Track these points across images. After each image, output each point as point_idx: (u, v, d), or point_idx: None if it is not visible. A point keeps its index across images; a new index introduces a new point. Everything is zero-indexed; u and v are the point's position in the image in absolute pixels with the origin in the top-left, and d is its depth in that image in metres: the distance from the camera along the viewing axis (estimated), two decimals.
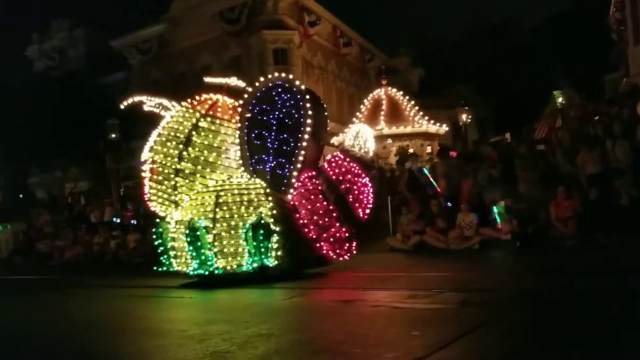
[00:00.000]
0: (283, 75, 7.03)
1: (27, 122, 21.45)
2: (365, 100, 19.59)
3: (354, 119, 19.29)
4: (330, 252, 6.95)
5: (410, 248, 10.07)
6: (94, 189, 20.80)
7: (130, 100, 7.80)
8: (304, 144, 6.64)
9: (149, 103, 7.74)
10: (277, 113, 6.68)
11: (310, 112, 6.61)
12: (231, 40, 23.57)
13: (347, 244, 7.09)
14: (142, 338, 3.80)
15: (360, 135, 7.70)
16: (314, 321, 4.20)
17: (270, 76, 6.96)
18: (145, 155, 7.23)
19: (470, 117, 21.08)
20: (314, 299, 5.18)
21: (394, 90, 19.42)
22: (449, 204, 10.66)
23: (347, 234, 7.02)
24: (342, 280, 6.48)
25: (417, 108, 19.10)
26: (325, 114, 7.54)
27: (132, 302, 6.17)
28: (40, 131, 20.82)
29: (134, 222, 14.55)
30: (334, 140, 20.08)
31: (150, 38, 26.19)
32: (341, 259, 7.13)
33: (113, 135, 16.62)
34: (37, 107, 21.29)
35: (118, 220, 14.89)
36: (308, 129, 6.60)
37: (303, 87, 6.86)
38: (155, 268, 7.21)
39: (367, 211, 7.32)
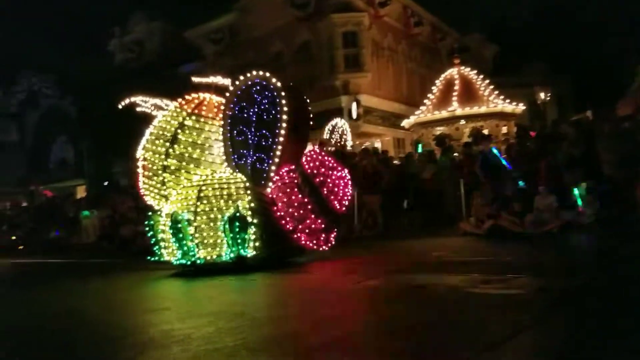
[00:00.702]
0: (261, 72, 7.13)
1: (109, 113, 22.49)
2: (437, 81, 19.17)
3: (425, 101, 18.95)
4: (308, 242, 7.22)
5: (484, 232, 9.83)
6: None
7: (126, 101, 8.06)
8: (281, 139, 6.88)
9: (144, 104, 8.04)
10: (256, 109, 6.99)
11: (286, 109, 6.83)
12: (301, 26, 23.65)
13: (323, 235, 7.35)
14: (217, 319, 3.92)
15: (336, 130, 7.60)
16: (385, 305, 4.19)
17: (249, 74, 7.12)
18: (138, 152, 7.65)
19: (549, 94, 20.18)
20: (384, 284, 5.16)
21: (467, 69, 18.86)
22: (526, 186, 10.31)
23: (322, 226, 7.26)
24: (412, 265, 6.42)
25: (491, 87, 18.49)
26: (309, 109, 7.67)
27: (197, 285, 6.36)
28: (121, 122, 21.78)
29: None
30: (405, 123, 19.83)
31: (222, 28, 26.70)
32: (320, 249, 7.39)
33: None
34: (118, 99, 22.31)
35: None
36: (284, 124, 6.84)
37: (279, 83, 7.02)
38: (149, 258, 7.60)
39: (345, 203, 7.56)
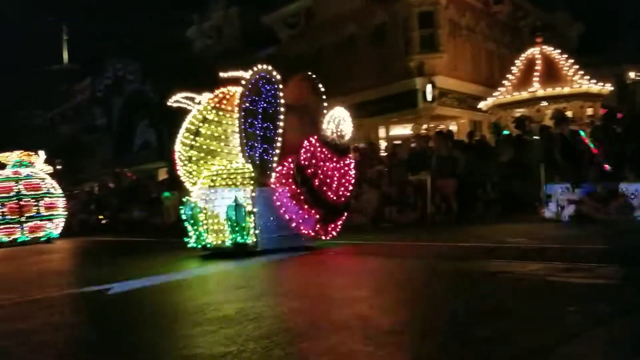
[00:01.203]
0: (265, 66, 7.39)
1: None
2: (517, 61, 18.46)
3: (505, 82, 18.30)
4: (305, 231, 7.39)
5: (565, 218, 9.41)
6: None
7: (176, 97, 8.31)
8: (280, 131, 7.26)
9: (184, 101, 8.26)
10: (262, 103, 7.25)
11: (283, 101, 7.28)
12: (376, 8, 23.35)
13: (319, 225, 7.41)
14: (288, 299, 3.98)
15: (332, 120, 7.59)
16: (458, 291, 4.11)
17: (256, 68, 7.34)
18: (176, 144, 8.17)
19: (639, 74, 18.94)
20: (457, 270, 5.05)
21: (550, 48, 18.02)
22: (611, 171, 9.77)
23: (317, 216, 7.32)
24: (488, 252, 6.25)
25: (576, 66, 17.58)
26: (324, 102, 8.04)
27: (266, 265, 6.49)
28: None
29: None
30: (482, 105, 19.27)
31: (298, 11, 26.84)
32: (323, 237, 7.55)
33: None
34: (198, 85, 22.95)
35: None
36: (282, 116, 7.26)
37: (279, 77, 7.39)
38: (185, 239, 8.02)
39: (342, 193, 7.51)
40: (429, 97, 20.93)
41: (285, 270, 6.32)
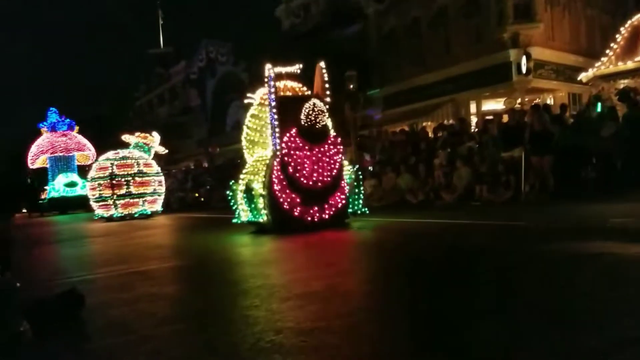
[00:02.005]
0: (270, 65, 8.11)
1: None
2: (622, 29, 17.14)
3: (608, 51, 17.10)
4: (296, 214, 7.95)
5: None
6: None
7: (248, 98, 9.28)
8: (275, 122, 7.94)
9: (252, 99, 9.25)
10: (270, 96, 8.05)
11: (273, 96, 7.98)
12: None
13: (299, 208, 7.97)
14: (374, 277, 4.00)
15: (309, 109, 8.11)
16: (552, 272, 3.95)
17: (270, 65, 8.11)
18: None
19: None
20: (550, 251, 4.85)
21: None
22: None
23: (298, 200, 7.94)
24: (586, 231, 5.93)
25: None
26: (327, 92, 8.62)
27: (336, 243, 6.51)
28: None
29: (370, 168, 15.20)
30: (583, 76, 18.17)
31: None
32: (308, 220, 8.02)
33: (351, 86, 17.41)
34: (284, 64, 23.24)
35: (356, 167, 15.69)
36: (274, 110, 7.97)
37: (273, 74, 8.03)
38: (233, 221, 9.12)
39: (315, 179, 8.03)
40: (524, 70, 19.92)
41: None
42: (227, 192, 9.24)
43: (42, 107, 27.11)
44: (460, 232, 7.16)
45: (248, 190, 8.27)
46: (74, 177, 25.00)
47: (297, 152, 7.98)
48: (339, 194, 8.37)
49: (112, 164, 16.08)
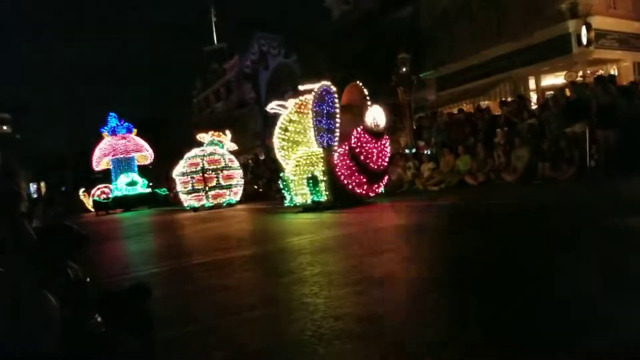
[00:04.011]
0: (326, 82, 10.87)
1: (329, 67, 23.61)
2: None
3: None
4: (360, 191, 10.80)
5: None
6: (390, 122, 22.00)
7: (272, 105, 12.19)
8: (338, 124, 10.64)
9: (277, 108, 12.04)
10: (326, 106, 10.60)
11: (338, 106, 10.68)
12: None
13: (366, 186, 10.86)
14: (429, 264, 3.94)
15: (371, 114, 10.80)
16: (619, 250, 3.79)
17: (320, 83, 10.78)
18: (274, 137, 12.06)
19: None
20: (614, 227, 4.65)
21: None
22: None
23: (365, 180, 10.73)
24: None
25: None
26: (367, 101, 11.20)
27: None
28: (340, 73, 22.71)
29: (427, 152, 15.00)
30: None
31: None
32: (370, 194, 11.06)
33: (404, 69, 17.19)
34: (336, 52, 23.21)
35: (413, 151, 15.54)
36: (338, 116, 10.67)
37: (334, 89, 10.77)
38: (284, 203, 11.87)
39: (379, 164, 10.87)
40: (584, 41, 19.05)
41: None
42: (279, 182, 12.06)
43: (104, 108, 28.54)
44: (519, 213, 6.96)
45: (313, 177, 10.76)
46: (135, 176, 27.11)
47: (367, 145, 10.64)
48: (387, 175, 11.53)
49: (202, 159, 18.27)
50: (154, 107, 45.27)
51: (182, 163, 18.73)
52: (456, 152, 13.58)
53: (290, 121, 11.54)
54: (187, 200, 18.44)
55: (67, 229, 2.61)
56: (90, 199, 27.90)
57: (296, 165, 11.17)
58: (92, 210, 27.47)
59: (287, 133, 11.56)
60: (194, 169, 18.22)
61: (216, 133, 19.41)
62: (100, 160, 27.36)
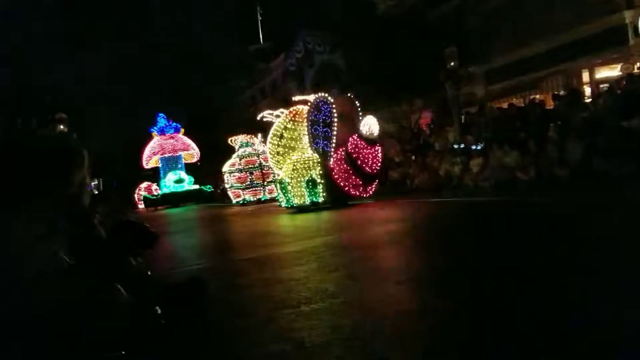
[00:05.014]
0: (323, 94, 12.01)
1: (373, 63, 23.42)
2: None
3: None
4: (355, 192, 11.77)
5: None
6: (437, 117, 21.74)
7: (264, 114, 13.38)
8: (335, 132, 11.55)
9: (269, 116, 13.13)
10: (322, 115, 11.56)
11: (336, 115, 11.58)
12: None
13: (361, 188, 11.84)
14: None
15: (366, 123, 11.97)
16: None
17: (317, 94, 11.97)
18: (267, 143, 13.14)
19: None
20: None
21: None
22: None
23: (360, 182, 11.74)
24: None
25: None
26: (359, 111, 12.32)
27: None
28: (386, 68, 22.51)
29: (476, 147, 14.74)
30: None
31: None
32: (364, 195, 11.97)
33: (452, 63, 16.93)
34: (381, 48, 23.01)
35: (461, 146, 15.30)
36: (335, 124, 11.59)
37: (332, 99, 11.80)
38: (278, 204, 13.09)
39: (374, 168, 11.91)
40: None
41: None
42: (274, 185, 13.56)
43: (153, 107, 29.70)
44: (569, 210, 6.76)
45: (312, 180, 11.62)
46: (182, 174, 28.43)
47: (364, 150, 11.74)
48: (378, 178, 12.57)
49: (258, 156, 19.83)
50: (201, 106, 45.99)
51: (234, 161, 20.09)
52: (506, 147, 13.28)
53: (285, 128, 12.54)
54: (242, 195, 19.88)
55: (137, 226, 2.69)
56: (140, 196, 28.90)
57: (293, 170, 12.05)
58: (142, 206, 28.34)
59: (282, 140, 12.54)
60: (252, 166, 19.89)
61: (247, 135, 20.73)
62: (150, 158, 28.82)
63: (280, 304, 3.35)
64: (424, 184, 14.26)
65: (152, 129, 29.02)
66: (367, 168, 11.78)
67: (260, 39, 52.37)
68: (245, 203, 19.63)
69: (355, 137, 11.77)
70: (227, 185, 20.66)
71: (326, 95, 11.88)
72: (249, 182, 19.87)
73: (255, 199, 19.83)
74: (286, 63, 42.07)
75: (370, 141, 11.93)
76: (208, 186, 27.94)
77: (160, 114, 29.26)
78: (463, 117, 17.70)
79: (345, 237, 6.64)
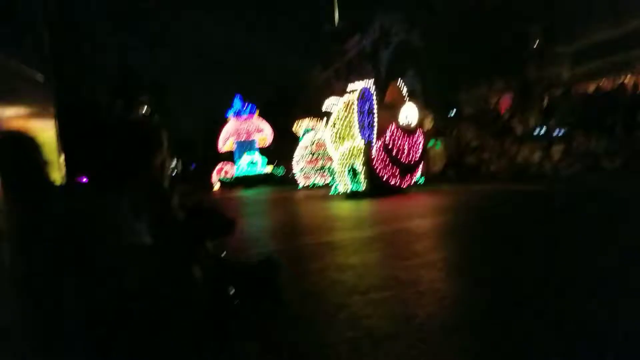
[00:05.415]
0: (367, 84, 12.10)
1: (452, 42, 22.78)
2: None
3: None
4: (392, 182, 11.77)
5: None
6: (517, 100, 20.91)
7: (329, 102, 13.50)
8: (376, 121, 11.65)
9: (332, 106, 13.28)
10: (367, 105, 11.77)
11: (376, 105, 11.73)
12: None
13: (399, 178, 11.86)
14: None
15: (405, 112, 11.91)
16: None
17: (363, 84, 12.17)
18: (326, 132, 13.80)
19: None
20: None
21: None
22: None
23: (397, 172, 11.77)
24: None
25: None
26: (405, 100, 12.18)
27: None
28: (467, 50, 21.85)
29: (558, 132, 14.10)
30: None
31: None
32: (404, 186, 11.97)
33: (536, 42, 16.19)
34: (460, 27, 22.34)
35: (543, 131, 14.66)
36: (375, 113, 11.69)
37: (374, 89, 11.91)
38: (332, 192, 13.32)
39: (410, 158, 11.91)
40: None
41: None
42: (328, 173, 14.25)
43: (230, 89, 30.54)
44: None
45: (353, 169, 12.01)
46: (255, 156, 29.13)
47: (399, 141, 11.77)
48: (419, 168, 12.41)
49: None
50: (276, 88, 46.62)
51: (306, 144, 20.20)
52: (594, 133, 12.60)
53: (339, 117, 12.81)
54: (312, 178, 19.96)
55: (215, 215, 2.76)
56: (216, 177, 29.92)
57: (340, 158, 12.40)
58: (218, 188, 29.29)
59: (336, 128, 12.82)
60: (323, 150, 19.14)
61: (314, 119, 20.46)
62: (226, 141, 29.74)
63: (354, 290, 3.36)
64: (501, 171, 13.83)
65: (228, 113, 29.93)
66: (403, 158, 11.80)
67: (335, 20, 52.16)
68: (313, 186, 19.65)
69: (393, 127, 11.77)
70: (297, 169, 20.63)
71: (370, 83, 12.05)
72: (320, 166, 19.79)
73: (324, 182, 19.71)
74: (361, 44, 41.71)
75: (409, 131, 11.90)
76: (280, 168, 28.52)
77: (237, 95, 30.05)
78: (546, 100, 16.92)
79: (414, 225, 6.55)
